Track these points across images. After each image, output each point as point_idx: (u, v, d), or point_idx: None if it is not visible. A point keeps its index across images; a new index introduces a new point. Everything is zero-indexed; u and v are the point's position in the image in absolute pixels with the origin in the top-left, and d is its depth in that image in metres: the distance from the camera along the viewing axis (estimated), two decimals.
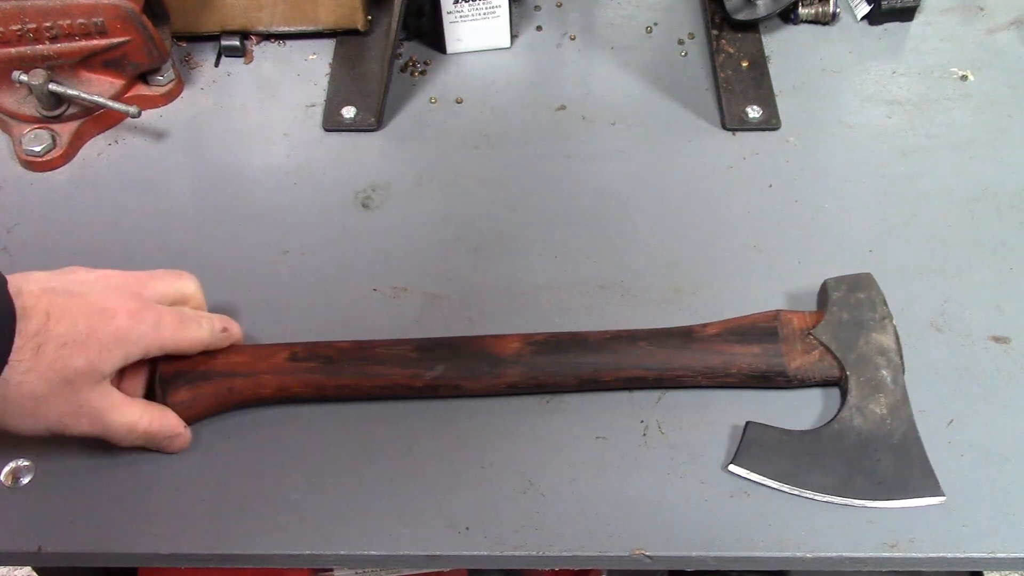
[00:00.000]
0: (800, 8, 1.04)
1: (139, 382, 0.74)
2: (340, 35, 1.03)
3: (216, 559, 0.71)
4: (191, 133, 0.96)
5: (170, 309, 0.72)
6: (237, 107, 0.98)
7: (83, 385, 0.66)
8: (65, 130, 0.94)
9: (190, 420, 0.74)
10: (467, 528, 0.71)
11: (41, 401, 0.65)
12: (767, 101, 0.97)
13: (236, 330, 0.76)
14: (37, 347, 0.64)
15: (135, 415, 0.70)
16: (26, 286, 0.65)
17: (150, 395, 0.74)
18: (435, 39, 1.03)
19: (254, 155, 0.95)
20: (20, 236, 0.88)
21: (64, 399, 0.66)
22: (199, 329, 0.72)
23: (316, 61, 1.02)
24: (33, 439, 0.71)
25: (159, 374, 0.74)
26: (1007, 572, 1.28)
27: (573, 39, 1.05)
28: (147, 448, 0.73)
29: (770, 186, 0.91)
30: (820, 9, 1.04)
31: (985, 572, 1.17)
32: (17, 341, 0.63)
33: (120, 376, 0.72)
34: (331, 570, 1.08)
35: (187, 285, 0.75)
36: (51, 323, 0.65)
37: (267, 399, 0.75)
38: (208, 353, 0.75)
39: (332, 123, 0.96)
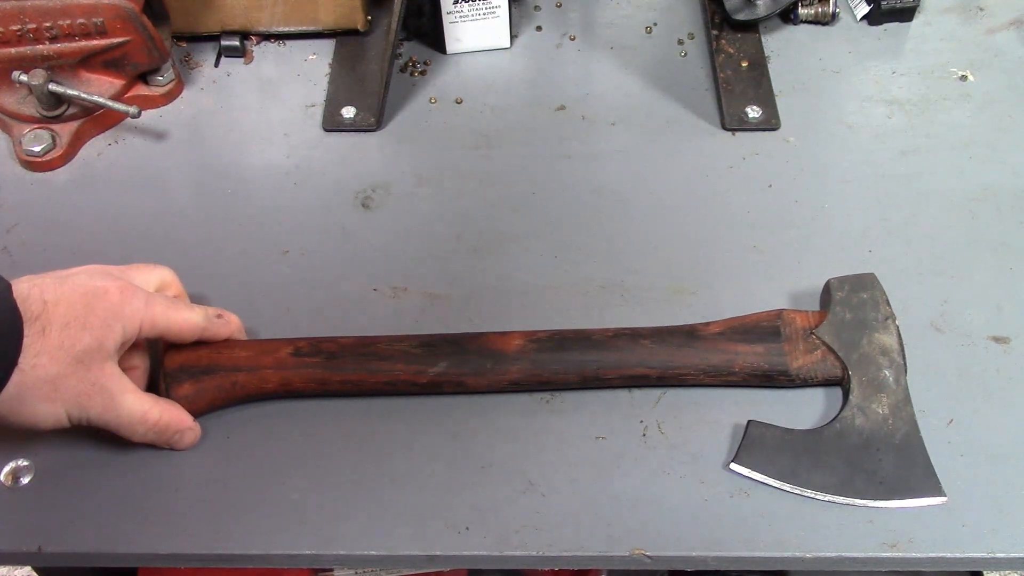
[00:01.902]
0: (800, 8, 1.04)
1: (140, 378, 0.74)
2: (340, 35, 1.03)
3: (216, 559, 0.71)
4: (191, 133, 0.96)
5: (158, 293, 0.74)
6: (237, 107, 0.98)
7: (93, 363, 0.68)
8: (65, 130, 0.93)
9: (194, 414, 0.74)
10: (467, 528, 0.71)
11: (57, 382, 0.66)
12: (767, 101, 0.97)
13: (233, 319, 0.76)
14: (42, 329, 0.65)
15: (146, 404, 0.71)
16: (16, 284, 0.66)
17: (153, 390, 0.74)
18: (435, 39, 1.03)
19: (254, 155, 0.95)
20: (20, 236, 0.88)
21: (77, 378, 0.67)
22: (190, 311, 0.73)
23: (316, 61, 1.02)
24: (35, 437, 0.72)
25: (163, 368, 0.74)
26: (1007, 572, 1.28)
27: (573, 39, 1.05)
28: (157, 445, 0.73)
29: (770, 186, 0.91)
30: (820, 9, 1.04)
31: (985, 572, 1.17)
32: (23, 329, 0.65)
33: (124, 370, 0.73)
34: (331, 570, 1.08)
35: (164, 274, 0.76)
36: (49, 307, 0.66)
37: (270, 394, 0.75)
38: (212, 347, 0.75)
39: (332, 123, 0.96)
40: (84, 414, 0.69)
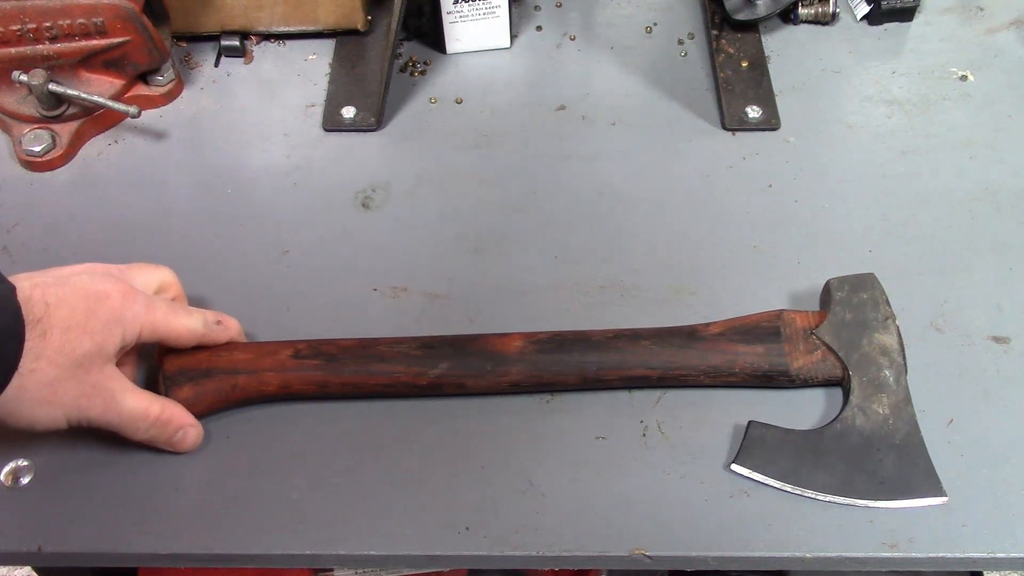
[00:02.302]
0: (800, 8, 1.04)
1: (129, 376, 0.74)
2: (340, 35, 1.03)
3: (216, 559, 0.71)
4: (191, 133, 0.96)
5: (159, 296, 0.74)
6: (237, 107, 0.98)
7: (92, 367, 0.68)
8: (65, 130, 0.93)
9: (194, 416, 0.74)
10: (467, 528, 0.71)
11: (56, 386, 0.66)
12: (767, 101, 0.97)
13: (233, 324, 0.76)
14: (43, 333, 0.65)
15: (146, 400, 0.71)
16: (18, 283, 0.66)
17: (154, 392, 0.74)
18: (435, 39, 1.03)
19: (254, 155, 0.95)
20: (20, 236, 0.88)
21: (77, 381, 0.67)
22: (190, 317, 0.73)
23: (316, 61, 1.02)
24: (35, 437, 0.72)
25: (163, 371, 0.74)
26: (1007, 572, 1.28)
27: (573, 39, 1.05)
28: (158, 446, 0.73)
29: (770, 186, 0.91)
30: (820, 9, 1.04)
31: (985, 572, 1.17)
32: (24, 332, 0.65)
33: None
34: (331, 570, 1.08)
35: (165, 274, 0.76)
36: (51, 310, 0.66)
37: (270, 396, 0.75)
38: (211, 350, 0.75)
39: (332, 123, 0.96)
40: (83, 416, 0.69)
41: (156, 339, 0.72)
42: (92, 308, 0.68)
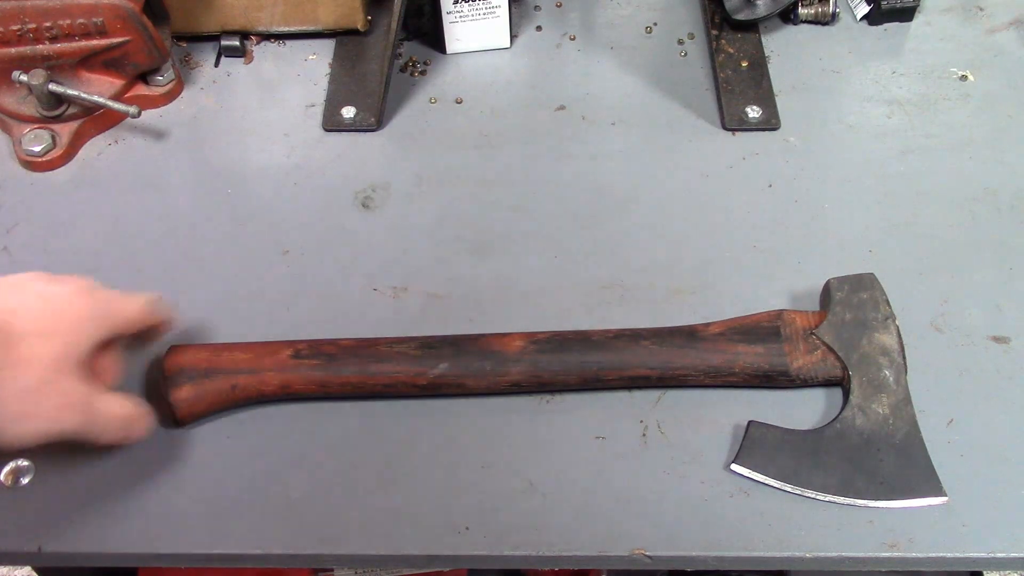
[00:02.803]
0: (800, 8, 1.04)
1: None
2: (340, 35, 1.03)
3: (216, 559, 0.71)
4: (191, 133, 0.96)
5: (102, 289, 0.70)
6: (237, 107, 0.98)
7: (67, 371, 0.64)
8: (65, 130, 0.93)
9: (194, 417, 0.74)
10: (467, 528, 0.71)
11: (34, 394, 0.63)
12: (767, 101, 0.97)
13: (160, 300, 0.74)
14: (4, 343, 0.62)
15: (116, 401, 0.68)
16: None
17: (154, 393, 0.75)
18: (435, 39, 1.03)
19: (254, 155, 0.95)
20: (20, 236, 0.88)
21: (54, 388, 0.63)
22: (135, 298, 0.71)
23: (316, 61, 1.02)
24: None
25: (164, 371, 0.74)
26: (1007, 572, 1.28)
27: (573, 39, 1.05)
28: (119, 443, 0.70)
29: (770, 186, 0.91)
30: (820, 9, 1.04)
31: (985, 572, 1.17)
32: None
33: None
34: (331, 570, 1.08)
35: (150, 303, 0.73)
36: (11, 318, 0.63)
37: (270, 396, 0.75)
38: (211, 350, 0.75)
39: (332, 123, 0.96)
40: (61, 427, 0.65)
41: (119, 331, 0.70)
42: (56, 311, 0.65)
